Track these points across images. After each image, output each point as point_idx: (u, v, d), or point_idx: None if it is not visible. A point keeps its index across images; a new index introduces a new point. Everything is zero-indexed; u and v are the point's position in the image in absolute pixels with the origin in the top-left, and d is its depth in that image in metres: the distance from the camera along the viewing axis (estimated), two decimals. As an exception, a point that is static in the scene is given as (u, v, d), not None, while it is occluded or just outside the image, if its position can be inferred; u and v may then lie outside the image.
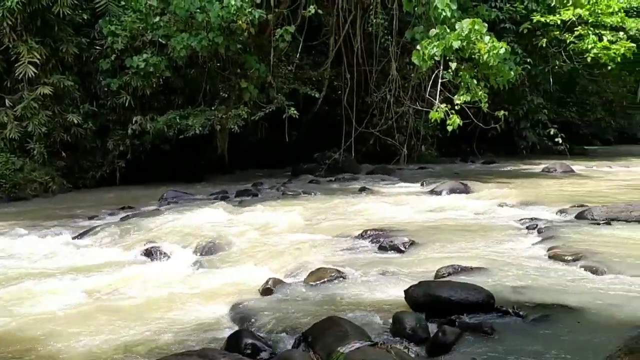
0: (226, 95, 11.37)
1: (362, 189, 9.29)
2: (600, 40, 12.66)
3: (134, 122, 10.77)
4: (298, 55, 12.21)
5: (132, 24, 10.33)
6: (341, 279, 4.30)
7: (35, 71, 9.78)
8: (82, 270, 4.92)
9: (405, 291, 3.51)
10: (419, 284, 3.55)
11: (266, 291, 4.09)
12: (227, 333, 3.36)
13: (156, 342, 3.29)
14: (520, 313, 3.23)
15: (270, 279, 4.23)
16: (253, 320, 3.53)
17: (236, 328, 3.46)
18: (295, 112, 10.81)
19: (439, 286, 3.48)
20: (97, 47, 10.71)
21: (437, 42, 9.02)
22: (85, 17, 10.53)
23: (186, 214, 7.33)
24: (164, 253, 5.38)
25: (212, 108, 11.14)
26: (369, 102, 13.22)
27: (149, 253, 5.41)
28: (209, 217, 7.11)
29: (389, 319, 3.26)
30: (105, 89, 10.77)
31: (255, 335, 3.08)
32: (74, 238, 6.36)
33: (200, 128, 10.60)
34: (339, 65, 13.09)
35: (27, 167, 9.81)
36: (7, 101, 10.01)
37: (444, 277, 4.04)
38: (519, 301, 3.44)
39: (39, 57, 9.77)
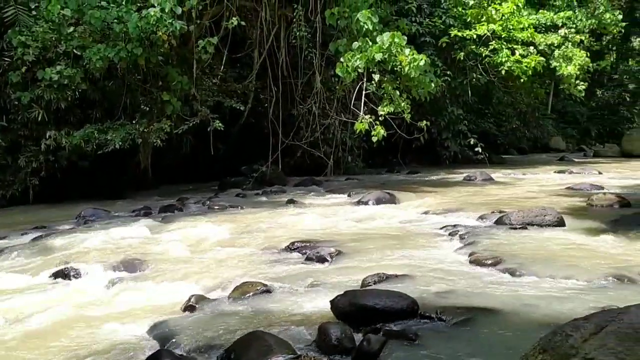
0: (148, 109, 11.00)
1: (290, 201, 9.24)
2: (513, 54, 13.38)
3: (47, 137, 10.16)
4: (222, 67, 12.05)
5: (44, 34, 9.79)
6: (267, 292, 4.21)
7: None
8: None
9: (331, 301, 3.48)
10: (344, 293, 3.53)
11: (189, 308, 3.93)
12: (146, 354, 3.19)
13: (67, 369, 3.07)
14: (443, 318, 3.27)
15: (192, 295, 4.08)
16: (174, 339, 3.37)
17: (156, 348, 3.29)
18: (220, 125, 10.63)
19: (364, 295, 3.48)
20: (7, 59, 10.07)
21: (360, 55, 9.19)
22: (-7, 27, 9.90)
23: (105, 232, 6.98)
24: (79, 273, 5.08)
25: (133, 122, 10.74)
26: (295, 114, 13.24)
27: (62, 274, 5.09)
28: (130, 234, 6.81)
29: (315, 330, 3.21)
30: (16, 103, 10.11)
31: (175, 355, 2.94)
32: (-22, 262, 5.89)
33: (121, 143, 10.17)
34: (264, 78, 13.04)
35: None
36: None
37: (370, 285, 4.05)
38: (442, 306, 3.49)
39: (-62, 68, 9.06)
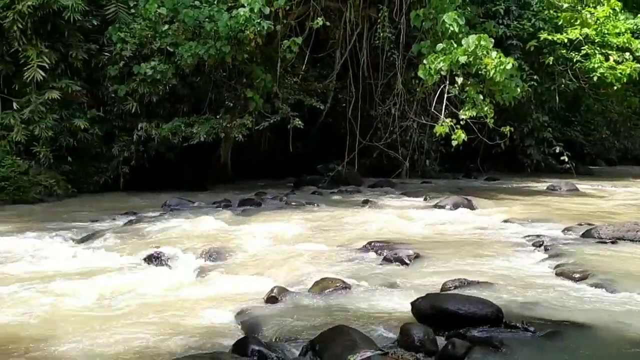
0: (231, 105, 11.40)
1: (365, 202, 9.28)
2: (607, 60, 12.71)
3: (139, 128, 10.80)
4: (304, 66, 12.26)
5: (141, 31, 10.42)
6: (346, 289, 4.27)
7: (44, 75, 9.83)
8: (86, 274, 4.89)
9: (412, 303, 3.49)
10: (426, 296, 3.53)
11: (271, 299, 4.06)
12: (232, 339, 3.33)
13: (161, 346, 3.27)
14: (530, 328, 3.20)
15: (275, 287, 4.20)
16: (258, 327, 3.51)
17: (241, 335, 3.44)
18: (300, 123, 10.83)
19: (446, 299, 3.46)
20: (106, 54, 10.77)
21: (444, 57, 9.07)
22: (95, 24, 10.63)
23: (189, 221, 7.33)
24: (168, 259, 5.36)
25: (217, 117, 11.18)
26: (373, 115, 13.25)
27: (152, 258, 5.38)
28: (213, 225, 7.10)
29: (395, 330, 3.24)
30: (113, 95, 10.82)
31: (261, 343, 3.05)
32: (78, 242, 6.36)
33: (205, 136, 10.63)
34: (344, 78, 13.15)
35: (32, 171, 9.82)
36: (14, 104, 10.06)
37: (450, 290, 4.01)
38: (527, 316, 3.41)
39: (48, 61, 9.83)
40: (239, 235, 6.49)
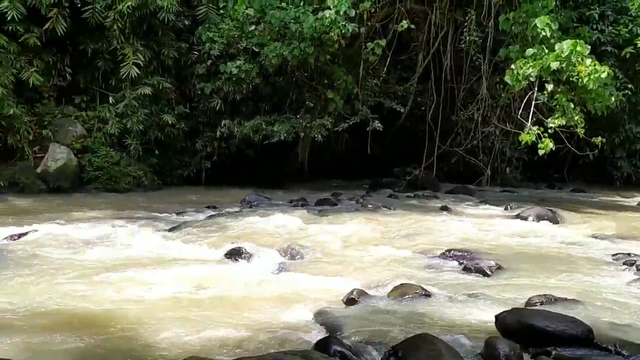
0: (312, 105, 11.55)
1: (443, 208, 9.11)
2: None
3: (222, 125, 11.19)
4: (385, 69, 12.22)
5: (229, 31, 10.78)
6: (425, 297, 4.23)
7: (138, 72, 10.39)
8: (172, 263, 5.13)
9: (496, 316, 3.40)
10: (511, 310, 3.43)
11: (350, 301, 4.09)
12: (312, 338, 3.40)
13: (244, 339, 3.37)
14: (623, 352, 3.04)
15: (354, 289, 4.23)
16: (338, 328, 3.54)
17: (321, 334, 3.49)
18: (379, 125, 10.81)
19: (533, 315, 3.35)
20: (195, 52, 11.24)
21: (534, 62, 8.75)
22: (187, 24, 11.12)
23: (268, 218, 7.49)
24: (248, 253, 5.51)
25: (297, 116, 11.37)
26: (454, 120, 12.99)
27: (234, 252, 5.55)
28: (291, 223, 7.22)
29: (478, 342, 3.17)
30: (199, 93, 11.28)
31: (343, 343, 3.08)
32: (165, 232, 6.66)
33: (285, 135, 10.85)
34: (425, 81, 12.97)
35: (123, 162, 10.42)
36: (110, 98, 10.71)
37: (536, 305, 3.88)
38: (620, 339, 3.23)
39: (142, 59, 10.38)
40: (317, 235, 6.57)
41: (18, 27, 9.45)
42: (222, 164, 11.87)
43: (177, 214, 8.09)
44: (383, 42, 10.14)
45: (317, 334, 3.49)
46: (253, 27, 10.54)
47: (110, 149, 10.39)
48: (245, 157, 12.07)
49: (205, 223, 7.26)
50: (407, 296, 4.19)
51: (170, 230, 6.77)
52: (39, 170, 9.72)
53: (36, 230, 6.13)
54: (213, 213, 8.08)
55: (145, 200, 9.62)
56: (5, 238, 5.80)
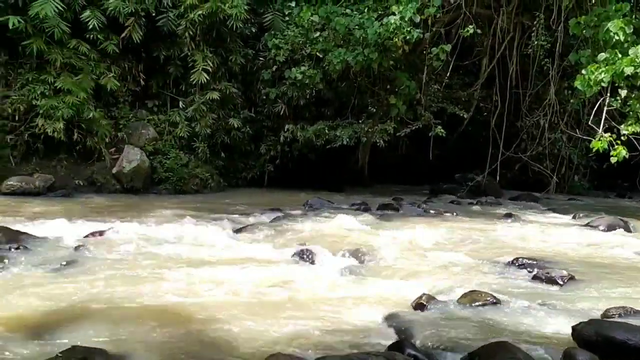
0: (374, 110, 11.62)
1: (508, 215, 8.95)
2: None
3: (286, 129, 11.44)
4: (448, 74, 12.11)
5: (294, 38, 11.00)
6: (496, 304, 4.20)
7: (207, 78, 10.77)
8: (242, 263, 5.29)
9: (573, 327, 3.35)
10: (589, 321, 3.38)
11: (419, 306, 4.12)
12: (384, 341, 3.46)
13: (317, 340, 3.47)
14: None
15: (423, 294, 4.26)
16: (410, 332, 3.59)
17: (392, 337, 3.55)
18: (442, 131, 10.74)
19: (613, 327, 3.28)
20: (261, 59, 11.56)
21: (606, 67, 8.46)
22: (253, 31, 11.44)
23: (332, 221, 7.62)
24: (315, 256, 5.61)
25: (360, 121, 11.46)
26: (518, 125, 12.72)
27: (301, 254, 5.67)
28: (354, 227, 7.32)
29: (555, 353, 3.14)
30: (264, 97, 11.58)
31: (417, 348, 3.13)
32: (232, 232, 6.89)
33: (347, 140, 10.96)
34: (488, 87, 12.78)
35: (191, 164, 10.83)
36: (180, 103, 11.16)
37: (614, 317, 3.79)
38: None
39: (211, 65, 10.76)
40: (381, 239, 6.62)
41: (98, 36, 10.00)
42: (285, 167, 12.12)
43: (244, 215, 8.32)
44: (448, 47, 10.07)
45: (388, 337, 3.55)
46: (318, 33, 10.71)
47: (179, 151, 10.81)
48: (306, 160, 12.26)
49: (271, 225, 7.45)
50: (477, 303, 4.18)
51: (237, 231, 6.98)
52: (114, 170, 10.25)
53: (114, 228, 6.46)
54: (278, 215, 8.27)
55: (211, 201, 9.95)
56: (87, 235, 6.15)
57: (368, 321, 3.88)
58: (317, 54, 10.96)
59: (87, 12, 9.83)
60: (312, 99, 11.60)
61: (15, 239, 5.41)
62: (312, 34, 10.74)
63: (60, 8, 9.46)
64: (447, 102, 12.15)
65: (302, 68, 10.88)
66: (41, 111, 9.49)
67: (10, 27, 9.17)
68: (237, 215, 8.22)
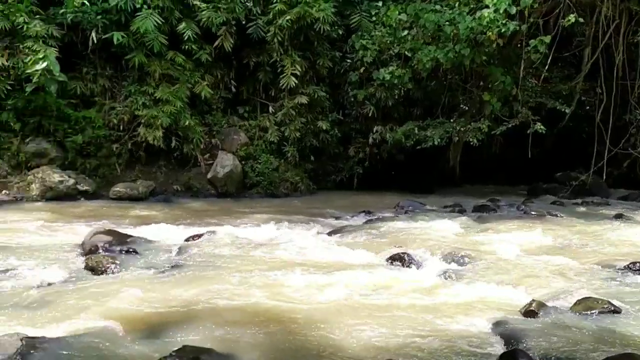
0: (466, 108, 11.23)
1: (618, 216, 8.30)
2: None
3: (374, 131, 11.33)
4: (546, 67, 11.44)
5: (382, 38, 10.85)
6: (614, 313, 3.88)
7: (296, 82, 10.89)
8: (338, 267, 5.23)
9: None
10: None
11: (529, 313, 3.87)
12: (493, 350, 3.28)
13: (424, 347, 3.35)
14: None
15: (533, 300, 4.00)
16: (521, 341, 3.37)
17: (501, 346, 3.35)
18: (542, 128, 10.15)
19: None
20: (348, 61, 11.52)
21: None
22: (340, 33, 11.43)
23: (426, 224, 7.42)
24: (413, 260, 5.45)
25: (451, 120, 11.10)
26: (626, 119, 11.78)
27: (397, 257, 5.53)
28: (450, 229, 7.08)
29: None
30: (352, 100, 11.53)
31: (531, 358, 2.92)
32: (325, 235, 6.88)
33: (439, 140, 10.65)
34: (591, 79, 11.93)
35: (281, 168, 11.00)
36: (270, 108, 11.37)
37: None
38: None
39: (299, 69, 10.87)
40: (480, 242, 6.35)
41: (193, 46, 10.41)
42: (374, 169, 12.01)
43: (335, 218, 8.31)
44: (547, 39, 9.49)
45: (498, 346, 3.36)
46: (406, 32, 10.48)
47: (270, 155, 11.01)
48: (396, 162, 12.08)
49: (363, 227, 7.36)
50: (594, 311, 3.87)
51: (329, 233, 6.96)
52: (209, 176, 10.61)
53: (212, 232, 6.64)
54: (369, 218, 8.18)
55: (302, 204, 10.04)
56: (188, 238, 6.36)
57: (475, 328, 3.70)
58: (406, 53, 10.73)
59: (183, 25, 10.25)
60: (400, 99, 11.39)
61: (125, 241, 5.70)
62: (400, 33, 10.52)
63: (159, 22, 9.94)
64: (546, 96, 11.48)
65: (390, 68, 10.71)
66: (143, 121, 10.02)
67: (115, 43, 9.75)
68: (328, 218, 8.23)
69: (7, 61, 9.13)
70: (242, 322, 3.74)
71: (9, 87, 9.18)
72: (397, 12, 10.29)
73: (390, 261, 5.50)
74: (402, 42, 10.58)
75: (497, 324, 3.70)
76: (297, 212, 8.83)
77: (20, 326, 3.43)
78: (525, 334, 3.49)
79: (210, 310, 3.97)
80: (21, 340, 3.03)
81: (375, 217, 8.31)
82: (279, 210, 9.08)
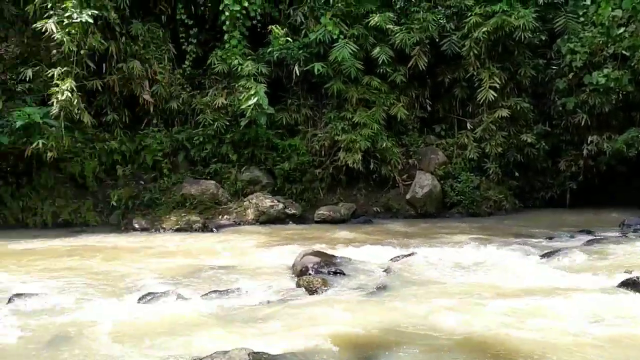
0: None
1: None
2: None
3: (589, 142, 10.26)
4: None
5: (592, 38, 9.88)
6: None
7: (495, 95, 10.36)
8: (560, 292, 4.72)
9: None
10: None
11: None
12: None
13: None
14: None
15: None
16: None
17: None
18: None
19: None
20: (553, 67, 10.66)
21: None
22: (543, 39, 10.64)
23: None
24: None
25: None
26: None
27: (631, 283, 4.80)
28: None
29: None
30: (560, 109, 10.60)
31: None
32: (538, 257, 6.31)
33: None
34: None
35: (483, 186, 10.51)
36: (468, 124, 10.97)
37: None
38: None
39: (498, 81, 10.34)
40: None
41: (387, 69, 10.57)
42: (589, 183, 10.83)
43: (548, 238, 7.63)
44: None
45: None
46: (622, 29, 9.36)
47: (470, 173, 10.59)
48: (616, 174, 10.74)
49: (583, 249, 6.60)
50: None
51: (543, 256, 6.37)
52: (408, 196, 10.57)
53: (415, 253, 6.52)
54: (590, 238, 7.33)
55: (508, 223, 9.43)
56: (391, 259, 6.33)
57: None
58: (623, 52, 9.60)
59: (377, 49, 10.47)
60: (619, 104, 10.15)
61: (332, 262, 5.87)
62: (615, 31, 9.40)
63: (354, 49, 10.31)
64: None
65: (605, 71, 9.63)
66: (342, 145, 10.41)
67: (316, 73, 10.35)
68: (540, 239, 7.59)
69: (225, 99, 10.28)
70: (463, 351, 3.52)
71: (227, 123, 10.30)
72: (609, 9, 9.20)
73: (620, 287, 4.79)
74: (618, 41, 9.50)
75: None
76: (503, 232, 8.31)
77: (246, 340, 3.68)
78: None
79: (422, 336, 3.83)
80: (248, 355, 3.22)
81: (596, 237, 7.43)
82: (482, 230, 8.65)
